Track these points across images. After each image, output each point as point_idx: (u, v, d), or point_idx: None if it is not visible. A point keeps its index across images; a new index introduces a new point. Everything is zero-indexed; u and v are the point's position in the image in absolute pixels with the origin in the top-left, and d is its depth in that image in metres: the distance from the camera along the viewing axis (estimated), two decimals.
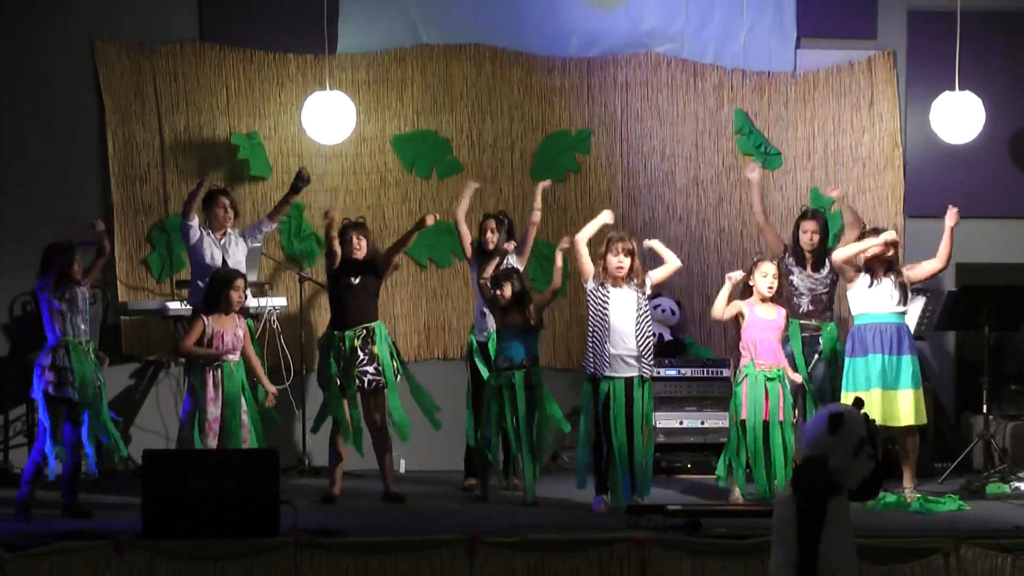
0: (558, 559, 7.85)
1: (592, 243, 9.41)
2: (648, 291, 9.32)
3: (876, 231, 9.53)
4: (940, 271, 9.66)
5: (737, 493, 9.37)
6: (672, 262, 9.38)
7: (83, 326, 9.09)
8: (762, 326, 9.38)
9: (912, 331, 9.76)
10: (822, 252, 9.84)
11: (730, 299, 9.41)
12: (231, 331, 9.15)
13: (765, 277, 9.42)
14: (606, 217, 9.51)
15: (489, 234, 9.93)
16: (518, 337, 9.44)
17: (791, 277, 9.82)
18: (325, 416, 9.71)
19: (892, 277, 9.42)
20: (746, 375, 9.35)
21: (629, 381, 9.15)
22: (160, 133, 11.12)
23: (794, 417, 9.54)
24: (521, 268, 9.85)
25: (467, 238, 10.04)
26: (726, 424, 9.66)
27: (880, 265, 9.41)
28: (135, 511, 8.11)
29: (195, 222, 9.92)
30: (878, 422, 9.28)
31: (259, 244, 10.43)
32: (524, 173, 11.36)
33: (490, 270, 9.57)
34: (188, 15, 11.20)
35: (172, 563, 7.74)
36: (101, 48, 11.11)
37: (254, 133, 11.17)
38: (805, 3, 11.48)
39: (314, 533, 7.94)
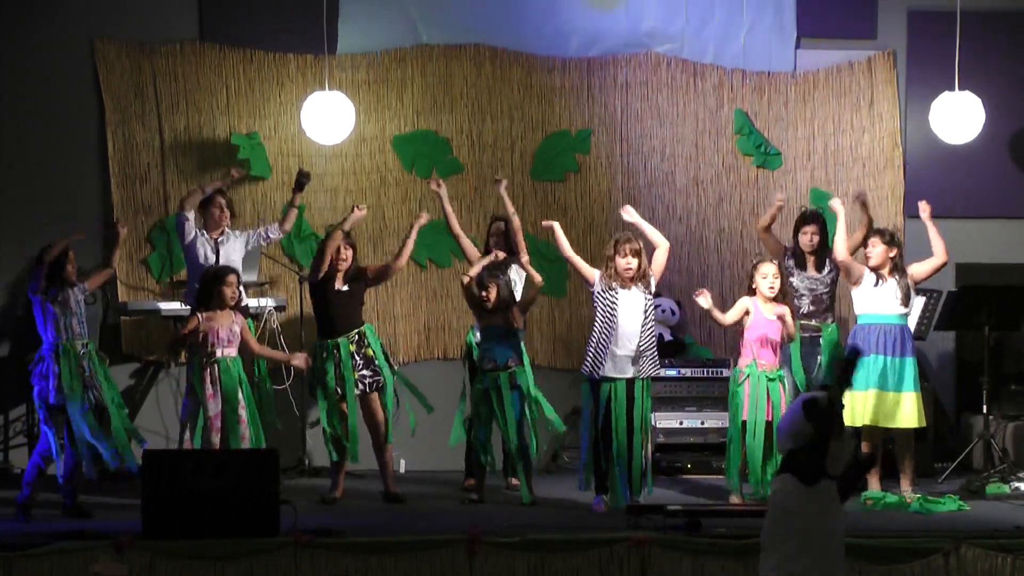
0: (558, 559, 7.85)
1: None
2: (652, 290, 9.32)
3: (881, 232, 9.54)
4: (942, 265, 9.67)
5: (737, 494, 9.37)
6: (661, 243, 9.37)
7: (78, 328, 9.09)
8: (765, 326, 9.39)
9: (912, 331, 9.77)
10: (822, 253, 9.85)
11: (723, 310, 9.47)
12: (226, 327, 9.15)
13: (765, 278, 9.43)
14: (555, 227, 9.44)
15: (499, 237, 9.90)
16: (502, 338, 9.43)
17: (791, 279, 9.82)
18: (324, 425, 9.70)
19: (897, 277, 9.43)
20: (748, 375, 9.35)
21: (631, 382, 9.15)
22: (160, 133, 11.12)
23: None
24: (526, 272, 9.79)
25: (470, 248, 9.98)
26: (726, 424, 9.66)
27: (886, 265, 9.42)
28: (135, 511, 8.12)
29: (191, 217, 9.93)
30: (874, 423, 9.37)
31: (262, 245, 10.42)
32: (524, 173, 11.36)
33: (475, 270, 9.55)
34: (188, 15, 11.19)
35: (172, 563, 7.75)
36: (101, 48, 11.11)
37: (254, 133, 11.17)
38: (805, 3, 11.48)
39: (314, 533, 7.95)
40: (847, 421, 9.27)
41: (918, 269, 9.61)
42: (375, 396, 9.63)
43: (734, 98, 11.50)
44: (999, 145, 11.44)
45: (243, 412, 9.14)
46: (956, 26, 10.58)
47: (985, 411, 10.28)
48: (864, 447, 9.45)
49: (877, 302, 9.43)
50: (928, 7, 11.36)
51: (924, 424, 9.49)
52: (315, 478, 10.38)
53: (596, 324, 9.20)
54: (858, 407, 9.32)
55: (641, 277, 9.21)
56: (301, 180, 10.14)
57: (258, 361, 9.68)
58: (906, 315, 9.49)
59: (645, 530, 8.14)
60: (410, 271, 11.28)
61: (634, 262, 9.17)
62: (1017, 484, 9.90)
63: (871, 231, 9.64)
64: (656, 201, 11.43)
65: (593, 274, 9.25)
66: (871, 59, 11.51)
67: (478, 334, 9.89)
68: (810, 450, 5.93)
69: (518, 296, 9.72)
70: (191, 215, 9.94)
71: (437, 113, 11.34)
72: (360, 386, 9.57)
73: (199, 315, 9.16)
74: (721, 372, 10.60)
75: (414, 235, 9.76)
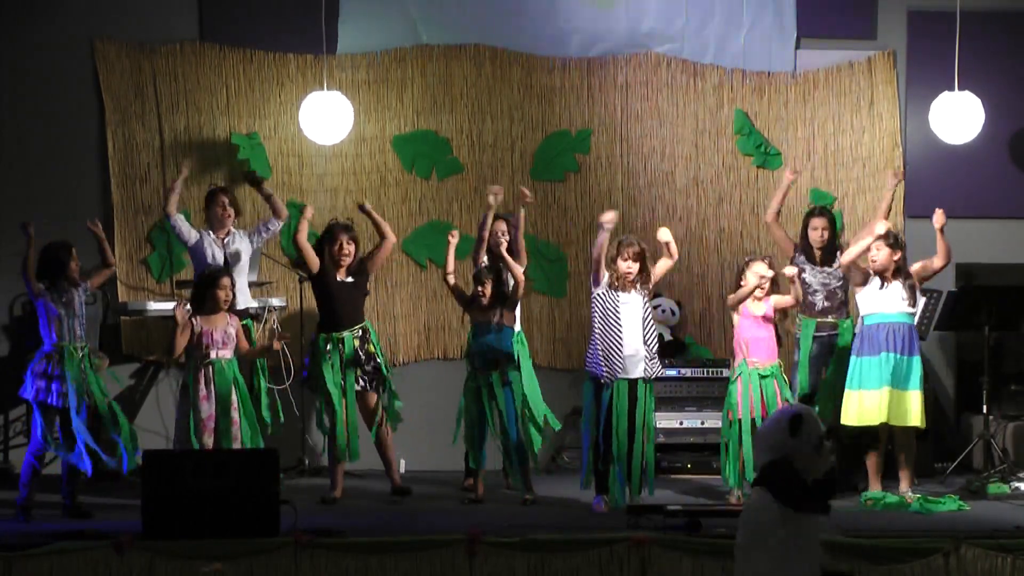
0: (558, 559, 7.85)
1: (592, 246, 9.40)
2: (650, 291, 9.33)
3: (884, 235, 9.52)
4: (943, 267, 9.66)
5: (736, 493, 9.38)
6: (671, 260, 9.39)
7: (79, 331, 9.09)
8: (753, 324, 9.42)
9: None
10: (832, 248, 9.85)
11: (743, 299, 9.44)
12: (221, 329, 9.14)
13: (757, 277, 9.45)
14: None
15: (500, 236, 9.90)
16: (492, 336, 9.42)
17: (804, 275, 9.84)
18: (323, 419, 9.70)
19: (901, 279, 9.43)
20: (740, 374, 9.39)
21: (633, 383, 9.15)
22: (160, 133, 11.12)
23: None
24: (523, 267, 9.80)
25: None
26: None
27: (890, 268, 9.42)
28: (135, 511, 8.12)
29: (179, 220, 9.90)
30: (886, 422, 9.35)
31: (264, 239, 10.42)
32: (524, 173, 11.36)
33: (451, 266, 9.49)
34: (188, 15, 11.20)
35: (172, 563, 7.75)
36: (101, 48, 11.11)
37: (254, 133, 11.17)
38: (805, 3, 11.48)
39: (314, 533, 7.95)
40: (861, 421, 9.35)
41: (921, 269, 9.59)
42: (373, 394, 9.62)
43: (734, 98, 11.50)
44: (999, 145, 11.44)
45: (236, 414, 9.13)
46: (956, 26, 10.58)
47: (985, 411, 10.28)
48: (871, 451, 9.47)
49: (882, 302, 9.42)
50: (928, 7, 11.35)
51: (925, 424, 9.49)
52: (315, 478, 10.38)
53: (598, 326, 9.19)
54: (873, 405, 9.32)
55: (643, 281, 9.21)
56: (253, 183, 10.16)
57: (259, 362, 9.70)
58: (913, 314, 9.50)
59: (645, 530, 8.13)
60: (410, 271, 11.29)
61: (635, 266, 9.18)
62: (1017, 484, 9.90)
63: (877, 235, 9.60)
64: (656, 201, 11.43)
65: (604, 275, 9.21)
66: (871, 59, 11.51)
67: None
68: (787, 469, 5.85)
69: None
70: (178, 219, 9.91)
71: (437, 113, 11.34)
72: (361, 383, 9.56)
73: (193, 317, 9.16)
74: (721, 372, 10.60)
75: (373, 213, 9.70)
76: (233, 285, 9.32)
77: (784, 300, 9.57)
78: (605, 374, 9.12)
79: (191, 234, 9.95)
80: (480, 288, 9.41)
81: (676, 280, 11.29)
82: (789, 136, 11.50)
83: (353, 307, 9.61)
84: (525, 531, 8.09)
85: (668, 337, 11.07)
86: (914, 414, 9.36)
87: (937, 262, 9.58)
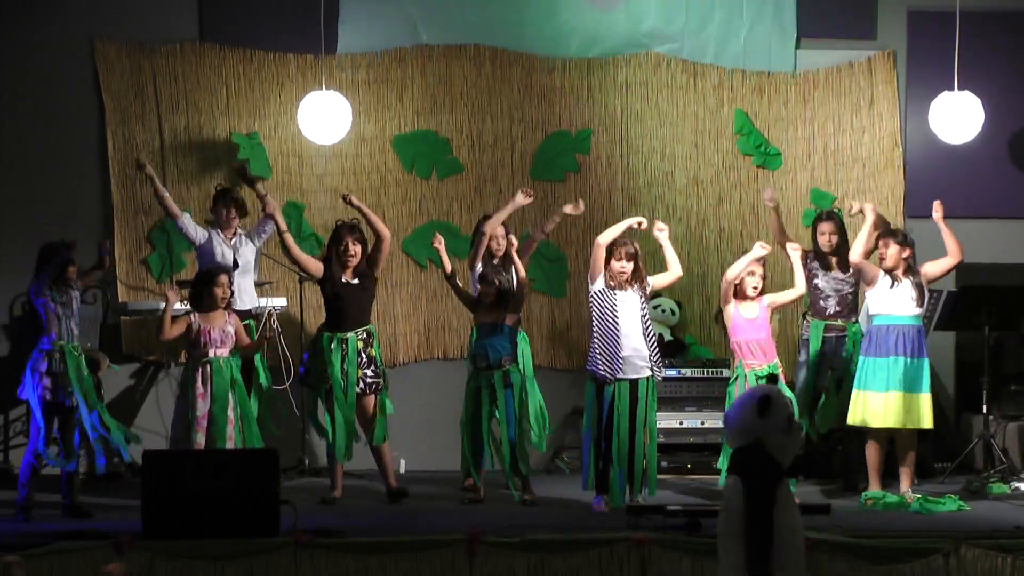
0: (558, 559, 7.85)
1: (592, 246, 9.38)
2: (648, 292, 9.33)
3: (894, 233, 9.53)
4: (956, 264, 9.65)
5: None
6: (675, 271, 9.40)
7: (76, 330, 9.10)
8: (745, 326, 9.43)
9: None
10: (843, 252, 9.85)
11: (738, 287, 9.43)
12: (219, 327, 9.15)
13: (752, 276, 9.45)
14: (631, 222, 9.34)
15: (500, 239, 9.89)
16: (496, 336, 9.42)
17: (816, 280, 9.86)
18: (317, 418, 9.70)
19: (911, 279, 9.43)
20: (737, 376, 9.43)
21: (635, 383, 9.16)
22: (160, 133, 11.12)
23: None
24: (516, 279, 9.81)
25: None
26: None
27: (900, 266, 9.42)
28: (135, 511, 8.12)
29: (186, 220, 9.92)
30: (896, 425, 9.34)
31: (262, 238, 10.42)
32: (524, 173, 11.36)
33: (447, 264, 9.50)
34: (188, 15, 11.20)
35: (172, 563, 7.75)
36: (101, 48, 11.11)
37: (254, 133, 11.17)
38: (805, 3, 11.48)
39: (314, 533, 7.94)
40: (867, 422, 9.35)
41: (931, 268, 9.60)
42: (371, 398, 9.62)
43: (734, 98, 11.50)
44: (999, 145, 11.44)
45: (231, 414, 9.13)
46: (956, 26, 10.58)
47: (985, 411, 10.28)
48: (873, 448, 9.46)
49: (892, 303, 9.42)
50: (928, 7, 11.35)
51: (932, 426, 9.50)
52: (315, 478, 10.38)
53: (597, 326, 9.19)
54: (880, 408, 9.31)
55: (638, 280, 9.22)
56: (245, 175, 10.17)
57: (260, 362, 9.70)
58: (920, 315, 9.49)
59: (645, 530, 8.13)
60: (410, 271, 11.29)
61: (629, 266, 9.18)
62: (1017, 484, 9.90)
63: (883, 233, 9.61)
64: (656, 201, 11.43)
65: (600, 275, 9.22)
66: (871, 59, 11.51)
67: None
68: (760, 453, 5.80)
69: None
70: (184, 219, 9.93)
71: (437, 113, 11.34)
72: (361, 385, 9.56)
73: (192, 314, 9.17)
74: (721, 372, 10.61)
75: (362, 207, 9.67)
76: (231, 283, 9.32)
77: (783, 297, 9.57)
78: (605, 374, 9.12)
79: (199, 233, 9.95)
80: (487, 289, 9.40)
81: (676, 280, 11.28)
82: (789, 136, 11.50)
83: (358, 309, 9.60)
84: (525, 531, 8.09)
85: (668, 337, 11.08)
86: (924, 417, 9.37)
87: (950, 259, 9.57)
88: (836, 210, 10.48)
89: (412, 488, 9.83)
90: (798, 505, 5.98)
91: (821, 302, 9.89)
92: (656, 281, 9.40)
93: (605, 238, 9.24)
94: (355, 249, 9.55)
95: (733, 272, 9.48)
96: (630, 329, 9.15)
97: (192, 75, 11.16)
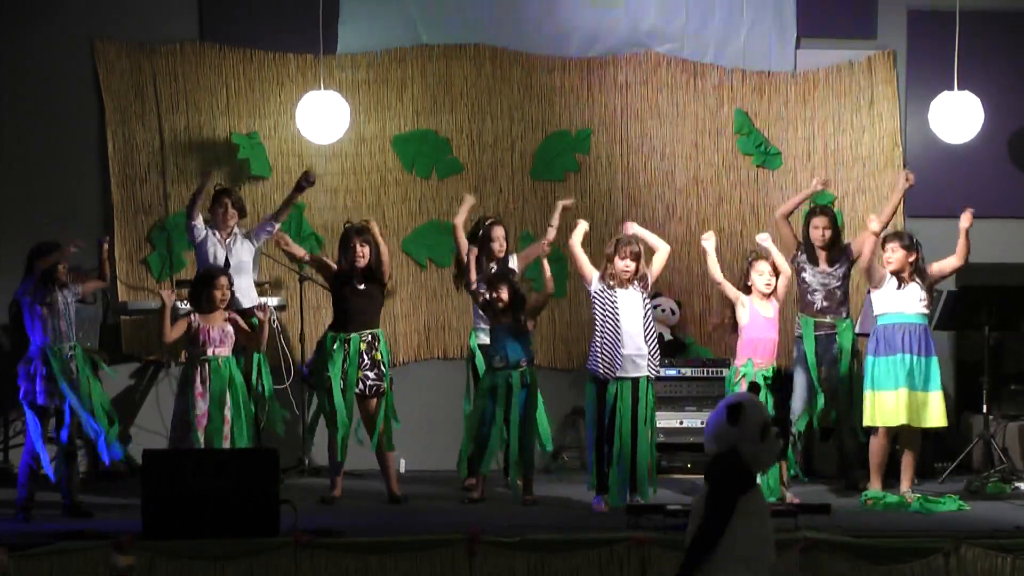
0: (558, 559, 7.85)
1: (592, 246, 9.40)
2: (649, 290, 9.33)
3: (899, 236, 9.50)
4: (959, 268, 9.65)
5: None
6: (662, 247, 9.40)
7: (65, 330, 9.08)
8: (762, 325, 9.40)
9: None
10: (833, 247, 9.85)
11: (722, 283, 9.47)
12: (218, 327, 9.16)
13: (761, 275, 9.45)
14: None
15: (501, 241, 9.87)
16: (513, 337, 9.42)
17: (803, 274, 9.86)
18: (319, 416, 9.70)
19: (919, 280, 9.42)
20: (744, 375, 9.37)
21: (636, 381, 9.16)
22: (160, 133, 11.12)
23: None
24: (517, 273, 9.83)
25: (464, 246, 9.93)
26: None
27: (906, 269, 9.40)
28: (135, 511, 8.12)
29: (199, 221, 9.97)
30: (909, 423, 9.33)
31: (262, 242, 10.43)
32: (524, 173, 11.36)
33: (473, 275, 9.54)
34: (188, 15, 11.20)
35: (172, 563, 7.75)
36: (101, 48, 11.11)
37: (254, 133, 11.17)
38: (805, 3, 11.48)
39: (314, 533, 7.95)
40: (883, 421, 9.35)
41: (938, 268, 9.58)
42: (373, 401, 9.61)
43: (734, 98, 11.50)
44: (999, 145, 11.45)
45: (229, 413, 9.13)
46: (956, 26, 10.58)
47: (985, 411, 10.29)
48: (879, 445, 9.45)
49: (899, 302, 9.41)
50: (928, 7, 11.36)
51: (946, 423, 9.50)
52: (315, 478, 10.38)
53: (598, 325, 9.20)
54: (890, 407, 9.31)
55: (639, 278, 9.23)
56: (302, 184, 10.15)
57: (263, 364, 9.70)
58: (926, 314, 9.49)
59: (645, 530, 8.13)
60: (410, 271, 11.29)
61: (632, 265, 9.19)
62: (1017, 484, 9.90)
63: (889, 235, 9.59)
64: (656, 201, 11.43)
65: (591, 274, 9.26)
66: (871, 59, 11.52)
67: (481, 336, 9.85)
68: (733, 461, 5.82)
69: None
70: (199, 220, 9.99)
71: (437, 113, 11.34)
72: (361, 386, 9.56)
73: (191, 314, 9.18)
74: (721, 372, 10.60)
75: (373, 230, 9.70)
76: (231, 284, 9.33)
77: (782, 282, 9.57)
78: (606, 372, 9.12)
79: (200, 232, 9.98)
80: (495, 295, 9.38)
81: (676, 280, 11.30)
82: (789, 136, 11.51)
83: (364, 311, 9.61)
84: (525, 531, 8.09)
85: (668, 337, 11.08)
86: (936, 415, 9.39)
87: (955, 261, 9.56)
88: (837, 211, 10.48)
89: (412, 488, 9.83)
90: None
91: (808, 296, 9.88)
92: (654, 268, 9.36)
93: (575, 239, 9.34)
94: (363, 251, 9.58)
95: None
96: (632, 327, 9.15)
97: (192, 75, 11.16)
